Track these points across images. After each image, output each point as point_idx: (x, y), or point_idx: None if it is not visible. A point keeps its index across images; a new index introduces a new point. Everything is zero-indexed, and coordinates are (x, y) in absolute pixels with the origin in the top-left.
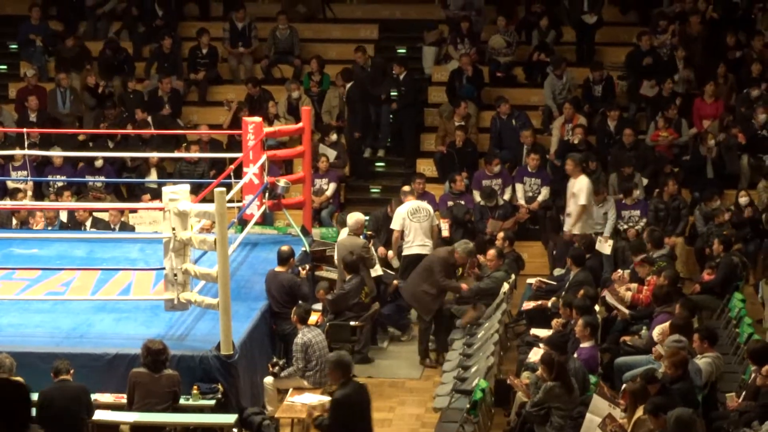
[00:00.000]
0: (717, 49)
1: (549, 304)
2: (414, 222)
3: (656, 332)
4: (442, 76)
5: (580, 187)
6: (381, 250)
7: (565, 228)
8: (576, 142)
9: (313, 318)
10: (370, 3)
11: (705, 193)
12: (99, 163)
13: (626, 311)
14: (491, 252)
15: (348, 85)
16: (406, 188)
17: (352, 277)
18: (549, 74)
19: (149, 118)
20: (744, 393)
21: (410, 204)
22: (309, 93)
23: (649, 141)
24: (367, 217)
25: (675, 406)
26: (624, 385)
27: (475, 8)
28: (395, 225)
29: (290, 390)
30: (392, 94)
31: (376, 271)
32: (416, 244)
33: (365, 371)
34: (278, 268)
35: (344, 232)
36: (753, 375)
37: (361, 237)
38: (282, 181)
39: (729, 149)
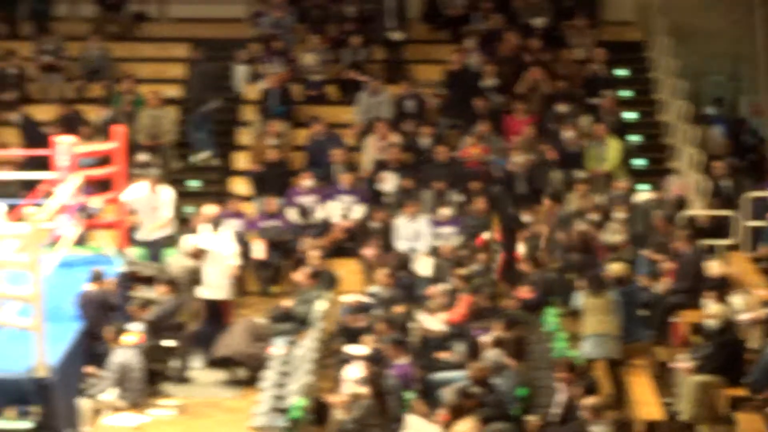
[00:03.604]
0: (527, 66)
1: (365, 321)
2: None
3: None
4: (254, 95)
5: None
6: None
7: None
8: (389, 159)
9: (134, 338)
10: (181, 22)
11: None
12: None
13: (441, 327)
14: (305, 271)
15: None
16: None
17: (173, 296)
18: (362, 92)
19: None
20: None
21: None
22: (121, 112)
23: (461, 157)
24: None
25: (500, 419)
26: (442, 402)
27: (285, 26)
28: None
29: (106, 411)
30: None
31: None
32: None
33: (183, 392)
34: (90, 287)
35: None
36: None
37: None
38: (94, 201)
39: (539, 165)
